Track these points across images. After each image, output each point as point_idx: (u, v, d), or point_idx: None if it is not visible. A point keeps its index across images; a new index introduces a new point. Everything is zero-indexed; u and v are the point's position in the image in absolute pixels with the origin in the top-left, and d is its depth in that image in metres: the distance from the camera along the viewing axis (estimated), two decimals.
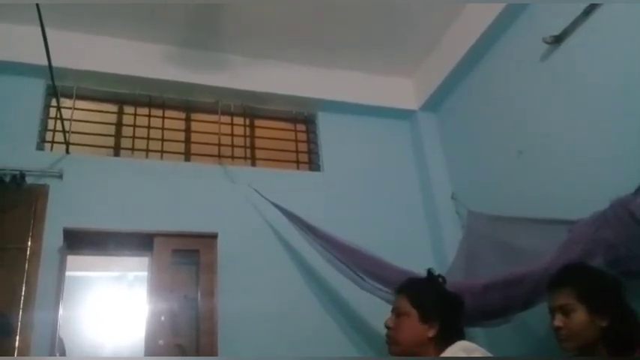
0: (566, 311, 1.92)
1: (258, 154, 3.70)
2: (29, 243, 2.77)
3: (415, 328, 2.01)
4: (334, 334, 3.10)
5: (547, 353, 2.62)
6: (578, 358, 1.99)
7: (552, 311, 1.99)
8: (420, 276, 2.29)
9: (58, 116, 3.02)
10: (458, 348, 1.94)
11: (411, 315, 2.03)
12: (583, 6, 2.70)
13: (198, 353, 2.69)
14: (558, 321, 1.94)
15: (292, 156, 3.79)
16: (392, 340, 2.06)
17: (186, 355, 2.71)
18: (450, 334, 2.00)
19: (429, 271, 2.22)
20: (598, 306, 1.88)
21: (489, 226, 2.99)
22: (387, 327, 2.09)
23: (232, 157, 3.57)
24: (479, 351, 1.91)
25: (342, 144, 3.77)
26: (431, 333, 1.99)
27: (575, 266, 2.04)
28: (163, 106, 3.58)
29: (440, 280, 2.19)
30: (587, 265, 2.07)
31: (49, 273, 2.74)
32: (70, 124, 3.20)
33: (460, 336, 2.02)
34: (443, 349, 1.94)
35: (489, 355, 1.94)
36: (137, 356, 2.64)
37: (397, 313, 2.08)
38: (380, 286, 2.76)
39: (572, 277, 1.97)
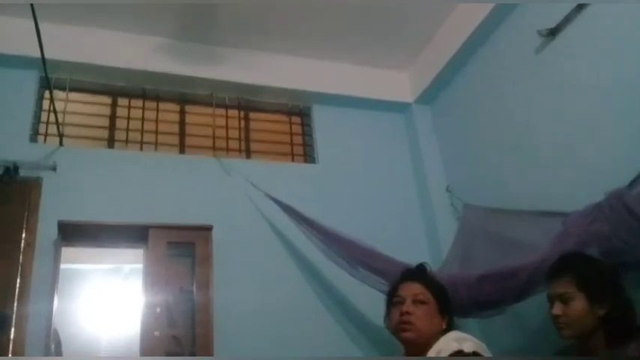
0: (565, 299, 1.94)
1: (253, 146, 3.69)
2: (23, 235, 2.76)
3: (435, 318, 2.03)
4: (329, 325, 3.11)
5: (541, 344, 2.63)
6: (567, 358, 2.02)
7: (551, 299, 2.00)
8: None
9: (52, 108, 3.00)
10: (450, 338, 1.96)
11: (430, 304, 2.04)
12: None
13: (193, 345, 2.69)
14: (557, 309, 1.95)
15: (287, 148, 3.79)
16: (409, 326, 2.01)
17: (181, 347, 2.71)
18: (451, 326, 2.03)
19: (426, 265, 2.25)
20: (597, 294, 1.90)
21: (484, 218, 3.00)
22: (405, 312, 2.03)
23: (227, 149, 3.57)
24: (471, 340, 1.93)
25: (337, 136, 3.77)
26: (444, 324, 2.02)
27: (574, 255, 2.06)
28: (158, 98, 3.57)
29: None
30: (587, 255, 2.09)
31: (43, 265, 2.74)
32: (64, 116, 3.19)
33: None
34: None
35: (481, 344, 1.95)
36: (133, 356, 2.63)
37: (415, 299, 2.06)
38: (375, 277, 2.77)
39: (572, 266, 1.99)
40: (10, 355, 2.48)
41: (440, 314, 2.04)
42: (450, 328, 2.03)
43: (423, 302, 2.05)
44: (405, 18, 3.50)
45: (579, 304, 1.91)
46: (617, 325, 1.88)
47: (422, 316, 2.02)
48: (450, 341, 1.94)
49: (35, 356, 2.53)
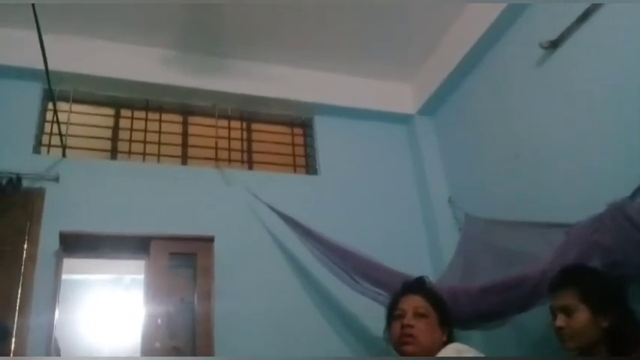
0: (568, 311, 1.93)
1: (255, 157, 3.70)
2: (25, 246, 2.76)
3: (435, 331, 2.03)
4: (331, 337, 3.09)
5: (544, 354, 2.62)
6: (576, 358, 2.00)
7: (554, 311, 1.99)
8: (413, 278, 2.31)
9: (55, 120, 3.02)
10: (450, 350, 1.96)
11: (431, 317, 2.04)
12: (579, 10, 2.71)
13: (194, 356, 2.68)
14: (560, 321, 1.94)
15: (289, 159, 3.79)
16: (411, 340, 2.00)
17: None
18: (451, 337, 2.02)
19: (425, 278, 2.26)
20: (600, 306, 1.89)
21: (486, 229, 2.99)
22: (407, 325, 2.03)
23: (229, 160, 3.57)
24: (470, 351, 1.92)
25: (339, 148, 3.77)
26: (445, 337, 2.02)
27: (577, 267, 2.06)
28: (160, 109, 3.59)
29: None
30: (590, 266, 2.08)
31: (45, 276, 2.74)
32: (67, 128, 3.20)
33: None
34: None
35: (481, 354, 1.94)
36: (133, 356, 2.63)
37: (415, 312, 2.06)
38: (376, 289, 2.76)
39: (575, 278, 1.98)
40: None
41: (440, 327, 2.03)
42: (450, 340, 2.03)
43: (424, 315, 2.05)
44: (407, 30, 3.52)
45: (583, 315, 1.90)
46: (621, 337, 1.87)
47: (423, 329, 2.01)
48: (451, 353, 1.94)
49: (36, 356, 2.53)
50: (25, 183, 2.90)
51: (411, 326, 2.02)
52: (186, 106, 3.65)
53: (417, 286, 2.20)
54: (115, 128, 3.48)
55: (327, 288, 3.16)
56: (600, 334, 1.88)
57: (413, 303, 2.09)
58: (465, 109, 3.62)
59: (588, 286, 1.93)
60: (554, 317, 1.98)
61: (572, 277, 1.99)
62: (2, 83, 3.15)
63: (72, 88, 3.33)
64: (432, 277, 3.11)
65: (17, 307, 2.60)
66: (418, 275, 2.33)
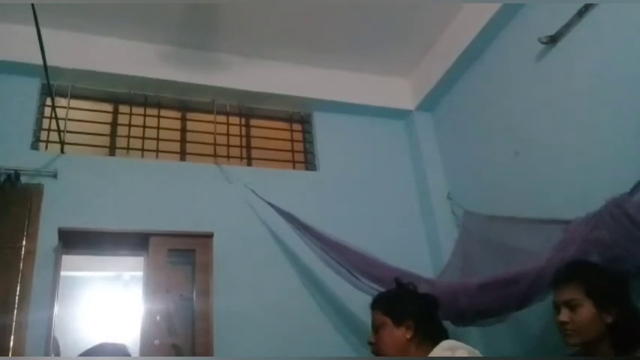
0: (572, 306, 1.93)
1: (254, 153, 3.69)
2: (24, 243, 2.75)
3: (392, 334, 2.07)
4: (330, 333, 3.10)
5: (543, 352, 2.62)
6: (572, 358, 2.01)
7: (557, 306, 1.98)
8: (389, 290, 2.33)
9: (53, 115, 3.01)
10: (443, 348, 1.95)
11: (386, 323, 2.10)
12: (578, 6, 2.71)
13: (194, 353, 2.68)
14: (564, 316, 1.94)
15: (288, 155, 3.79)
16: (377, 354, 2.12)
17: (182, 355, 2.70)
18: (430, 332, 2.03)
19: (397, 280, 2.27)
20: (604, 302, 1.88)
21: (485, 225, 2.99)
22: (371, 344, 2.15)
23: (228, 156, 3.56)
24: (463, 349, 1.92)
25: (338, 144, 3.77)
26: (408, 334, 2.04)
27: (582, 262, 2.06)
28: (159, 105, 3.57)
29: (410, 286, 2.23)
30: (594, 262, 2.08)
31: (44, 273, 2.73)
32: (65, 124, 3.19)
33: (444, 335, 2.04)
34: (429, 349, 1.95)
35: (475, 351, 1.94)
36: (133, 356, 2.62)
37: (375, 328, 2.15)
38: (375, 286, 2.76)
39: (579, 273, 1.98)
40: None
41: (399, 326, 2.06)
42: (421, 333, 2.04)
43: (380, 326, 2.13)
44: (405, 25, 3.51)
45: (587, 310, 1.90)
46: (624, 333, 1.86)
47: (382, 341, 2.10)
48: (444, 350, 1.93)
49: (35, 356, 2.53)
50: (23, 179, 2.89)
51: (372, 343, 2.15)
52: (184, 102, 3.64)
53: (373, 301, 2.27)
54: (114, 124, 3.46)
55: (327, 284, 3.16)
56: (604, 330, 1.88)
57: (372, 320, 2.20)
58: (463, 105, 3.62)
59: (593, 281, 1.93)
60: (558, 312, 1.97)
61: (577, 271, 1.99)
62: (0, 79, 3.13)
63: (70, 83, 3.31)
64: (430, 272, 3.16)
65: (16, 304, 2.59)
66: (417, 271, 2.35)
